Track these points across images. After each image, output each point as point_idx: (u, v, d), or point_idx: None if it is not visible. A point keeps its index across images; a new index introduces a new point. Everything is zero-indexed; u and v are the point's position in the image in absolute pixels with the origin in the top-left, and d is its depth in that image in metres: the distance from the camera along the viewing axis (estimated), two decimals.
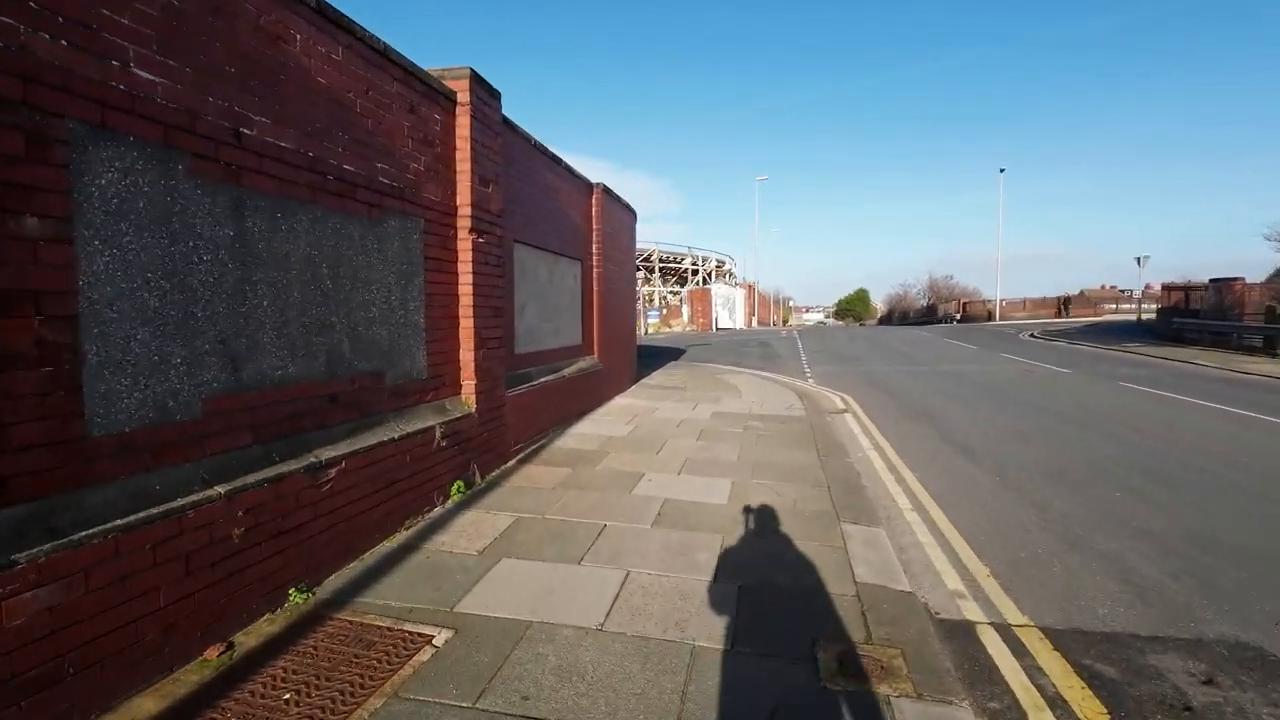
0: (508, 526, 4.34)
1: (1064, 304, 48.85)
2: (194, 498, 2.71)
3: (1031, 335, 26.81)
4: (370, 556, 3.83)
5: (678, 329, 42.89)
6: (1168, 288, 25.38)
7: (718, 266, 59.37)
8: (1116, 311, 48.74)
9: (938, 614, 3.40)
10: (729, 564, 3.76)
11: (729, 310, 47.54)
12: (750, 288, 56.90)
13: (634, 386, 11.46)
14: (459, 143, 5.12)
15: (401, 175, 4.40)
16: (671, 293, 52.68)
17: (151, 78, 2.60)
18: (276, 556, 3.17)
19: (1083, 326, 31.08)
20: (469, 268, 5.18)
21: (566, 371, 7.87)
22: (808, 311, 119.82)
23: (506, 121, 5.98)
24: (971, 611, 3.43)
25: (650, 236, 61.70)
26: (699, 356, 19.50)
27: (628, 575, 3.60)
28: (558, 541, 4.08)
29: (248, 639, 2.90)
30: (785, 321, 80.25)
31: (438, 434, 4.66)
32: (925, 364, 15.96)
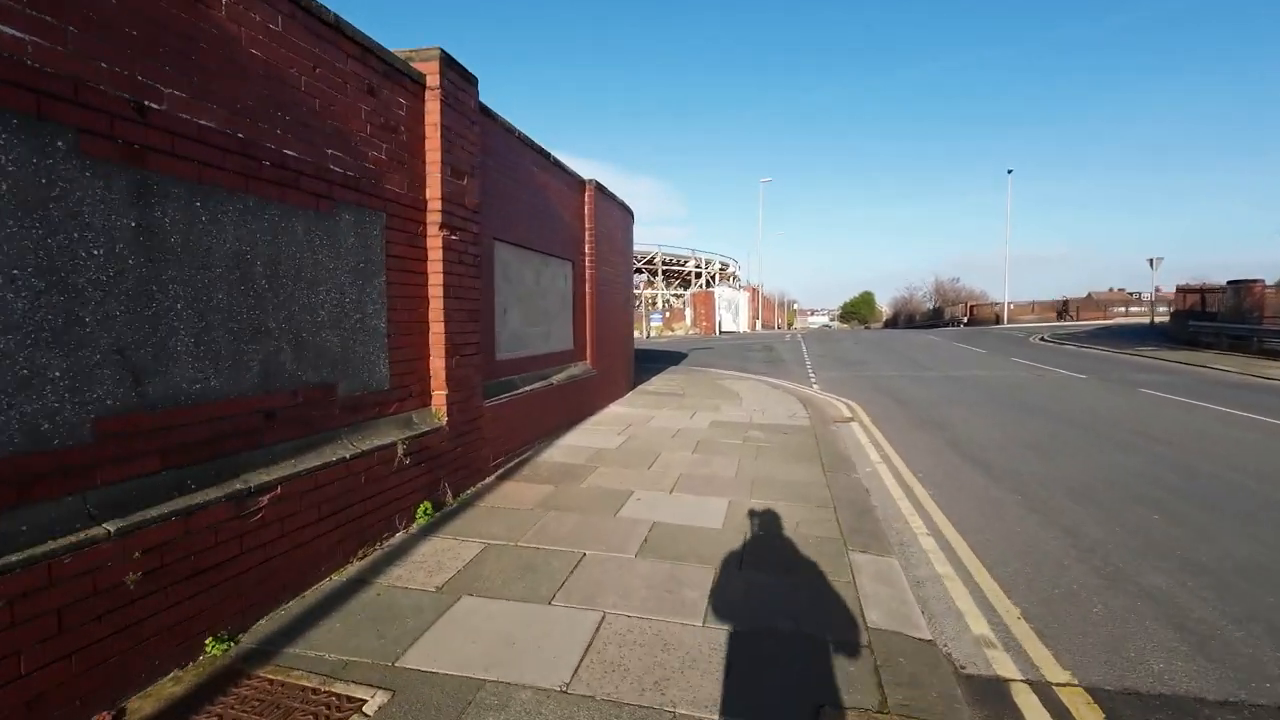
0: (475, 556, 3.88)
1: (1074, 307, 48.11)
2: (71, 539, 2.25)
3: (1041, 339, 26.22)
4: (313, 594, 3.37)
5: (680, 332, 42.42)
6: (1182, 290, 24.74)
7: (721, 269, 58.90)
8: (1127, 315, 48.00)
9: (964, 669, 2.91)
10: (721, 604, 3.28)
11: (733, 313, 47.03)
12: (754, 291, 56.39)
13: (631, 393, 10.99)
14: (428, 130, 4.68)
15: (358, 164, 3.95)
16: (675, 296, 52.23)
17: (18, 35, 2.16)
18: (188, 602, 2.71)
19: (1093, 330, 30.43)
20: (440, 267, 4.73)
21: (556, 379, 7.41)
22: (812, 314, 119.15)
23: (484, 110, 5.54)
24: (1003, 665, 2.94)
25: (654, 240, 61.39)
26: (701, 361, 19.02)
27: (603, 619, 3.13)
28: (528, 575, 3.61)
29: (144, 704, 2.44)
30: (790, 325, 79.66)
31: (400, 451, 4.20)
32: (933, 369, 15.44)
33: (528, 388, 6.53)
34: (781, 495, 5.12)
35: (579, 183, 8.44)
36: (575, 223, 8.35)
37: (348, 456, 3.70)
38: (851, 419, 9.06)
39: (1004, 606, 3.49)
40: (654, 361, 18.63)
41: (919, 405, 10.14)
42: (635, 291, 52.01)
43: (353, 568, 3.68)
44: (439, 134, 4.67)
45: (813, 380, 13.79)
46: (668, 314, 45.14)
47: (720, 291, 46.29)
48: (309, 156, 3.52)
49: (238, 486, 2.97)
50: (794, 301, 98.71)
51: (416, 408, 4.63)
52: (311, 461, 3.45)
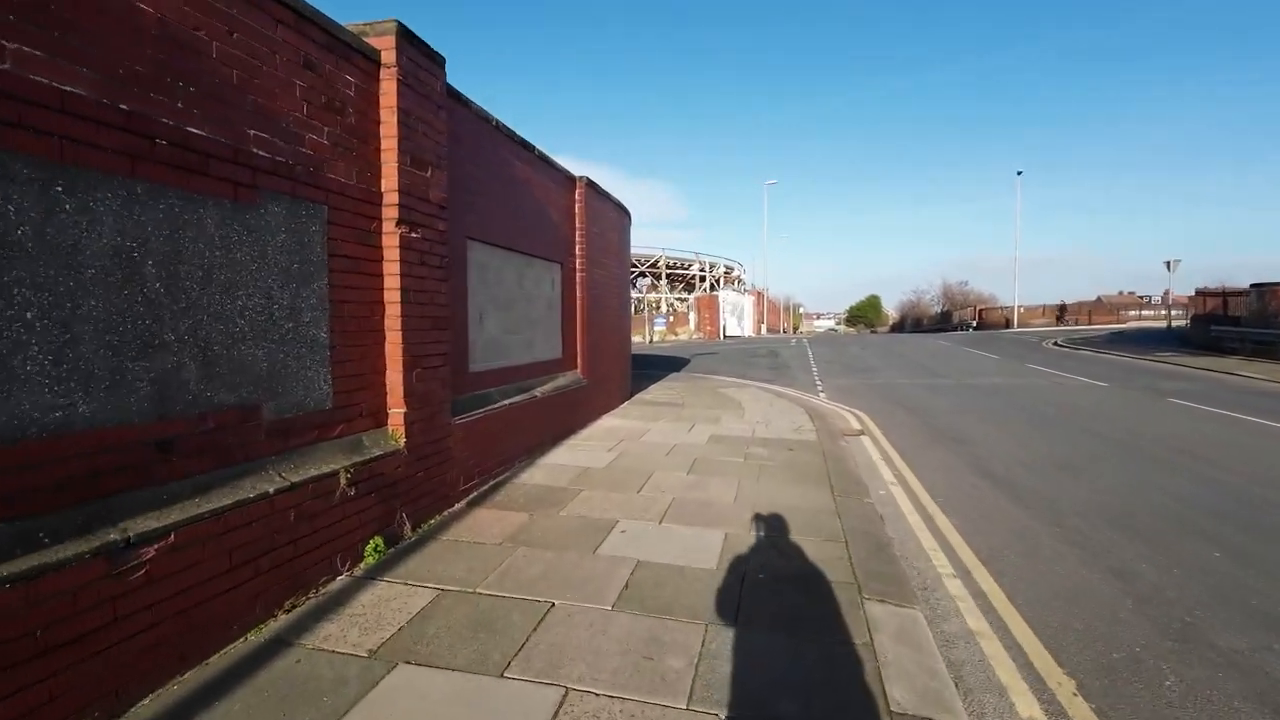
0: (424, 607, 3.30)
1: (1086, 311, 47.22)
2: None
3: (1055, 344, 25.46)
4: (219, 661, 2.80)
5: (684, 337, 41.84)
6: (1202, 293, 23.96)
7: (726, 273, 58.29)
8: (1140, 318, 47.11)
9: None
10: (712, 677, 2.69)
11: (737, 317, 46.42)
12: (759, 294, 55.74)
13: (626, 404, 10.41)
14: (383, 114, 4.13)
15: (292, 149, 3.40)
16: (678, 299, 51.66)
17: None
18: (36, 687, 2.14)
19: (1108, 334, 29.63)
20: (398, 268, 4.17)
21: (541, 390, 6.84)
22: (818, 318, 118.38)
23: (454, 94, 5.00)
24: None
25: (658, 244, 60.85)
26: (703, 367, 18.42)
27: (565, 697, 2.54)
28: (482, 634, 3.03)
29: None
30: (795, 329, 78.96)
31: (344, 480, 3.64)
32: (946, 376, 14.78)
33: (507, 401, 5.96)
34: (786, 526, 4.52)
35: (568, 180, 7.89)
36: (564, 222, 7.79)
37: (272, 491, 3.14)
38: (862, 432, 8.44)
39: (1055, 677, 2.88)
40: (654, 368, 18.06)
41: (934, 416, 9.51)
42: (637, 295, 51.58)
43: (276, 624, 3.11)
44: (396, 118, 4.12)
45: (819, 388, 13.17)
46: (671, 318, 44.57)
47: (725, 295, 45.69)
48: (223, 137, 2.98)
49: (112, 537, 2.40)
50: (800, 305, 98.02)
51: (369, 429, 4.06)
52: (222, 500, 2.89)
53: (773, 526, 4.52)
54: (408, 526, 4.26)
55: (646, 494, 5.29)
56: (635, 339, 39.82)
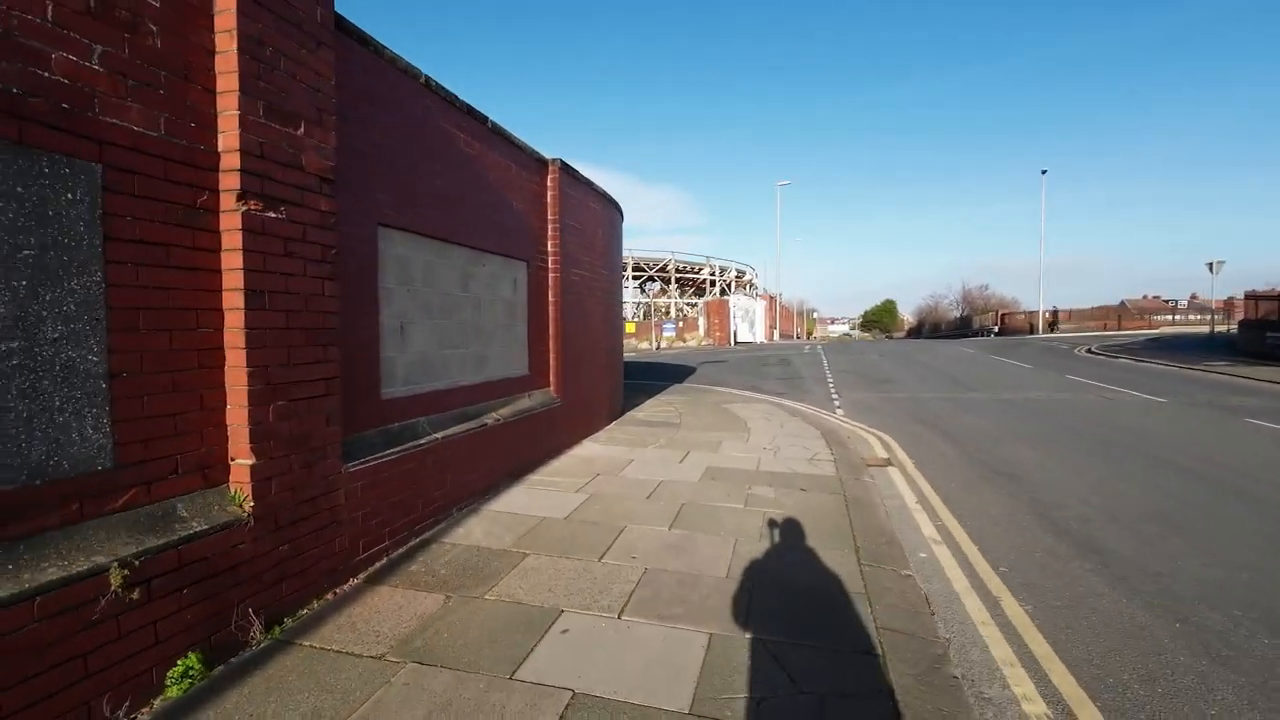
0: None
1: (1115, 316, 45.17)
2: None
3: (1089, 351, 23.77)
4: None
5: (692, 343, 40.51)
6: (1254, 297, 22.15)
7: (738, 276, 56.88)
8: (1174, 323, 44.97)
9: None
10: None
11: (749, 323, 44.99)
12: (772, 299, 54.28)
13: (614, 424, 9.11)
14: (219, 39, 2.90)
15: (22, 70, 2.18)
16: (688, 305, 50.36)
17: None
18: None
19: (1145, 341, 27.80)
20: (242, 260, 2.94)
21: (495, 416, 5.58)
22: (832, 323, 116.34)
23: (347, 28, 3.77)
24: None
25: (669, 248, 59.65)
26: (708, 377, 17.09)
27: None
28: None
29: None
30: (809, 334, 77.21)
31: (118, 580, 2.39)
32: (977, 389, 13.30)
33: (441, 434, 4.70)
34: (796, 618, 3.21)
35: (536, 163, 6.64)
36: (531, 213, 6.54)
37: None
38: (888, 462, 7.07)
39: None
40: (656, 378, 16.77)
41: (973, 441, 8.10)
42: (645, 300, 50.33)
43: None
44: (237, 45, 2.90)
45: (836, 403, 11.79)
46: (680, 324, 43.25)
47: (736, 300, 44.27)
48: None
49: None
50: (813, 310, 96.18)
51: (188, 491, 2.81)
52: None
53: (778, 621, 3.20)
54: (257, 627, 3.00)
55: (611, 562, 3.99)
56: (641, 345, 38.57)
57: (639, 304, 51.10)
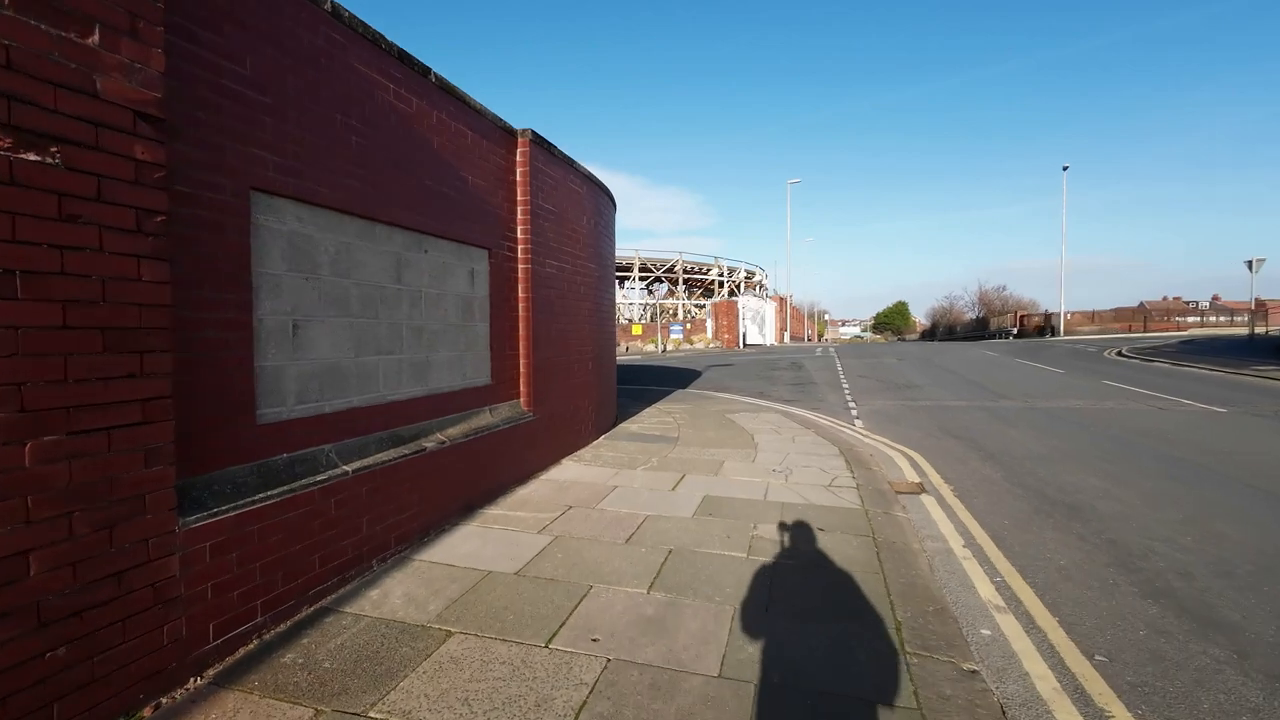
0: None
1: (1141, 317, 43.49)
2: None
3: (1120, 354, 22.40)
4: None
5: (700, 345, 39.38)
6: None
7: (747, 278, 55.65)
8: (1202, 325, 43.20)
9: None
10: None
11: (758, 325, 43.78)
12: (782, 300, 53.03)
13: (601, 439, 8.04)
14: None
15: None
16: (696, 306, 49.21)
17: None
18: None
19: (1178, 344, 26.31)
20: None
21: (440, 437, 4.54)
22: (843, 325, 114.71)
23: None
24: None
25: (677, 249, 58.63)
26: (715, 382, 15.98)
27: None
28: None
29: None
30: (820, 336, 75.76)
31: None
32: (1009, 396, 12.10)
33: (353, 466, 3.66)
34: None
35: (502, 133, 5.60)
36: (495, 193, 5.50)
37: None
38: (921, 487, 5.95)
39: None
40: (658, 383, 15.70)
41: (1017, 460, 6.95)
42: (652, 301, 49.25)
43: None
44: None
45: (853, 412, 10.65)
46: (688, 326, 42.12)
47: (745, 301, 43.06)
48: None
49: None
50: (825, 312, 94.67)
51: None
52: None
53: None
54: None
55: (562, 648, 2.93)
56: (647, 348, 37.48)
57: (646, 305, 50.05)
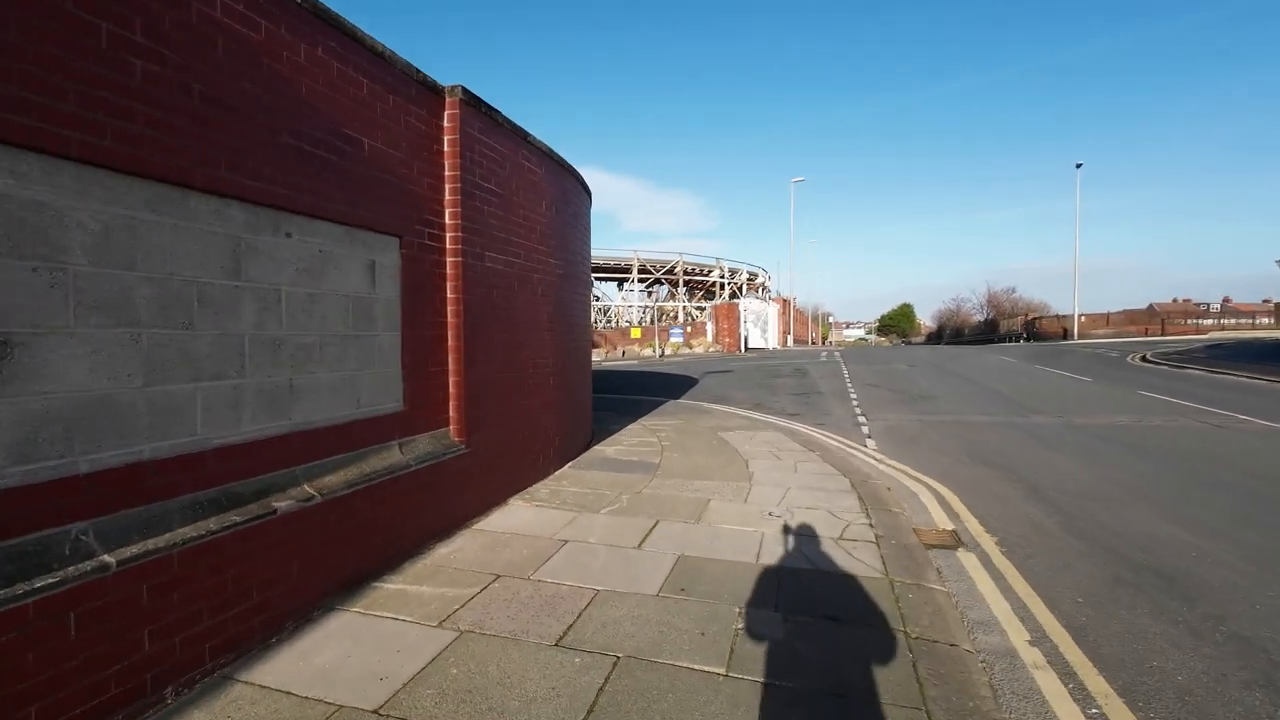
0: None
1: (1158, 320, 42.02)
2: None
3: (1144, 360, 21.03)
4: None
5: (700, 349, 38.11)
6: None
7: (749, 279, 54.37)
8: (1222, 328, 41.75)
9: None
10: None
11: (760, 328, 42.47)
12: (785, 302, 51.74)
13: (567, 467, 6.80)
14: None
15: None
16: (697, 309, 47.94)
17: None
18: None
19: (1204, 349, 24.90)
20: None
21: (299, 494, 3.32)
22: (847, 327, 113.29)
23: None
24: None
25: (679, 250, 57.49)
26: (711, 392, 14.73)
27: None
28: None
29: None
30: (824, 339, 74.37)
31: None
32: (1039, 409, 10.80)
33: (116, 555, 2.42)
34: None
35: (421, 90, 4.38)
36: (409, 164, 4.28)
37: None
38: (955, 538, 4.69)
39: None
40: (650, 392, 14.46)
41: (1073, 500, 5.68)
42: (651, 305, 48.00)
43: None
44: None
45: (864, 429, 9.38)
46: (689, 329, 40.84)
47: (747, 303, 41.75)
48: None
49: None
50: (829, 314, 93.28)
51: None
52: None
53: None
54: None
55: None
56: (644, 352, 36.16)
57: (645, 308, 48.83)
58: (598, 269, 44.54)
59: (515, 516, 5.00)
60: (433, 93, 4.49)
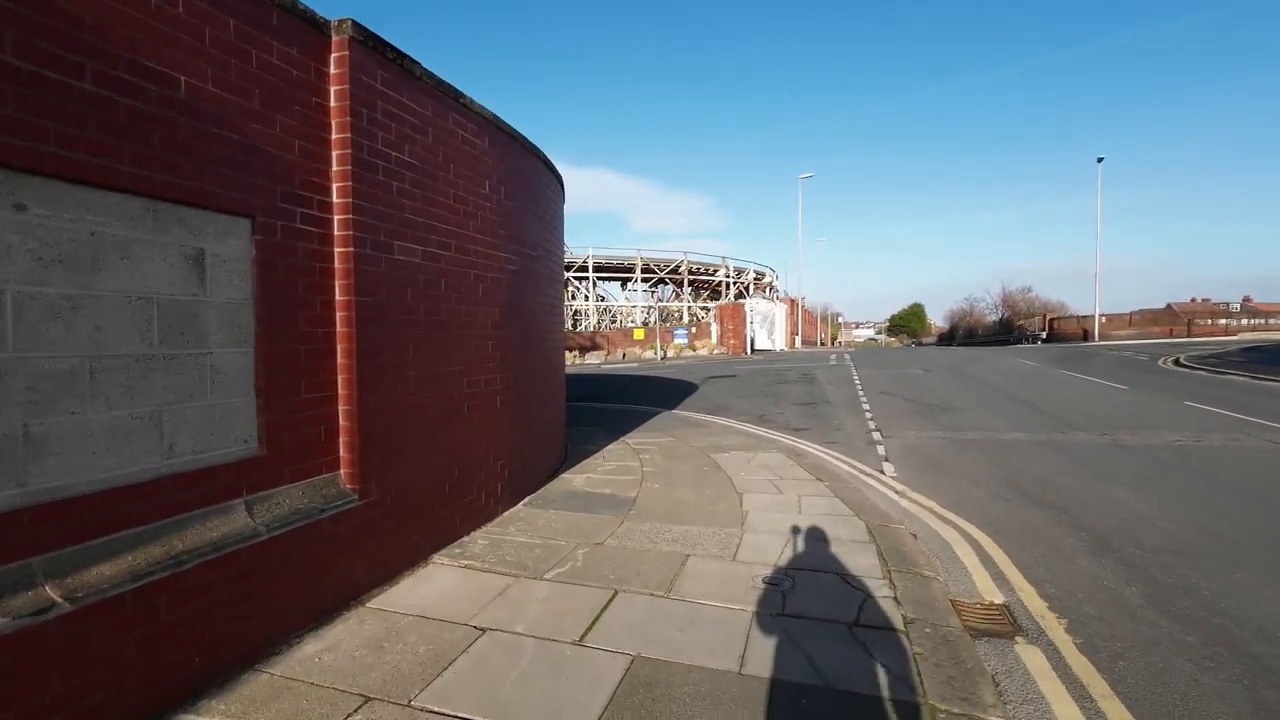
0: None
1: (1183, 320, 40.36)
2: None
3: (1176, 363, 19.62)
4: None
5: (704, 351, 36.87)
6: None
7: (756, 279, 53.05)
8: (1253, 329, 39.98)
9: None
10: None
11: (767, 329, 41.16)
12: (793, 303, 50.38)
13: (521, 504, 5.65)
14: None
15: None
16: (702, 309, 46.71)
17: None
18: None
19: (1241, 352, 23.38)
20: None
21: (34, 599, 2.19)
22: (857, 328, 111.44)
23: None
24: None
25: (684, 249, 56.32)
26: (710, 401, 13.55)
27: None
28: None
29: None
30: (834, 339, 72.85)
31: None
32: (1081, 425, 9.52)
33: None
34: None
35: (290, 20, 3.25)
36: (269, 120, 3.15)
37: None
38: (1009, 620, 3.51)
39: None
40: (644, 400, 13.30)
41: (1154, 556, 4.47)
42: (654, 305, 46.79)
43: None
44: None
45: (880, 449, 8.17)
46: (693, 330, 39.61)
47: (753, 304, 40.47)
48: None
49: None
50: (838, 314, 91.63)
51: None
52: None
53: None
54: None
55: None
56: (646, 355, 34.88)
57: (649, 308, 47.64)
58: (600, 268, 43.42)
59: (430, 585, 3.86)
60: (310, 26, 3.36)
